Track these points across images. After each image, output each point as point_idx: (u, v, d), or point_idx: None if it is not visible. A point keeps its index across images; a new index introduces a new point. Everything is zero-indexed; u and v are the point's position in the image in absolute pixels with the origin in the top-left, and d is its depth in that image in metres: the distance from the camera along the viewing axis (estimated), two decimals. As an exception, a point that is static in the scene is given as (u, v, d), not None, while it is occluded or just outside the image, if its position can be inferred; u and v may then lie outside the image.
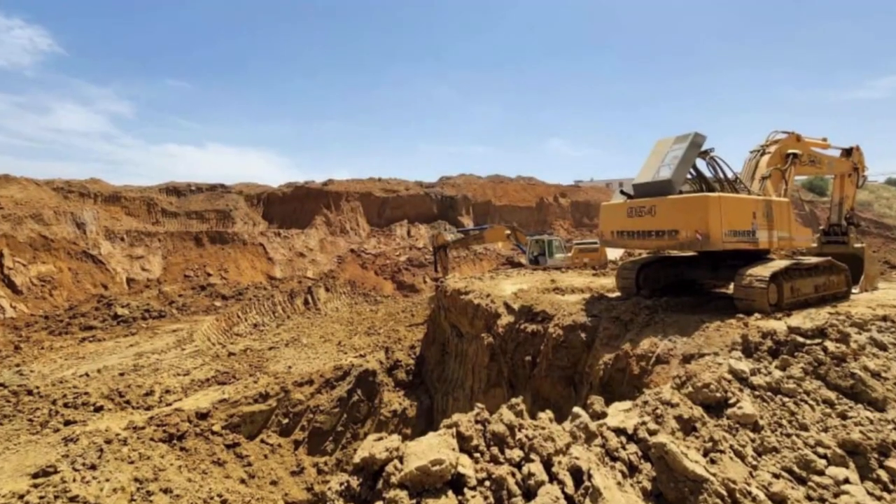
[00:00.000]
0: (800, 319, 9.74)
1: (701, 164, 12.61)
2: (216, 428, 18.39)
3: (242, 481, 17.16)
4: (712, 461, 5.99)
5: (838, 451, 6.27)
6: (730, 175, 12.82)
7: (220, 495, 15.08)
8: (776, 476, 6.01)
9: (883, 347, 8.23)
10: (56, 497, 12.25)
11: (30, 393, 19.00)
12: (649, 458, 5.84)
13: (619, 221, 12.91)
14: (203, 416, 18.57)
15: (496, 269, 50.88)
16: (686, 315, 11.48)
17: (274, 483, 17.91)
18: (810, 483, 5.93)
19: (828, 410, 6.98)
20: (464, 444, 5.66)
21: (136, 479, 13.92)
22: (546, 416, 6.38)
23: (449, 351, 21.21)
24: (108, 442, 15.08)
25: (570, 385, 12.64)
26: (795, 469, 6.10)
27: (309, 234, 61.44)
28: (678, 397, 6.75)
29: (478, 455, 5.60)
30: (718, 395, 6.89)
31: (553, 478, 5.42)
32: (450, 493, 5.02)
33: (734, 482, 5.61)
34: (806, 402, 7.06)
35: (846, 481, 5.96)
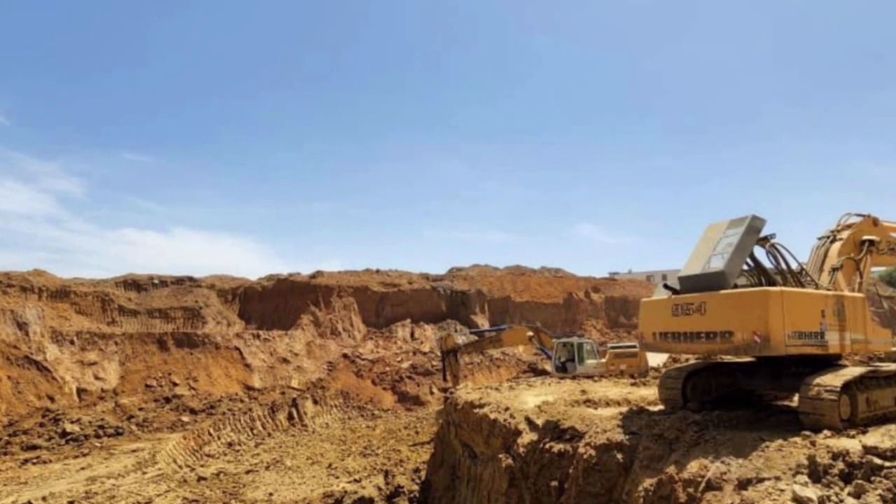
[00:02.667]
0: (877, 437, 9.75)
1: (760, 253, 12.66)
2: (181, 570, 18.17)
3: None
4: None
5: None
6: (794, 265, 12.87)
7: None
8: None
9: (975, 470, 8.22)
10: None
11: (-40, 526, 18.91)
12: None
13: (663, 321, 12.97)
14: (166, 554, 18.39)
15: (516, 377, 50.69)
16: (742, 432, 11.46)
17: None
18: None
19: (911, 545, 6.98)
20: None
21: None
22: (578, 550, 6.45)
23: (460, 475, 21.04)
24: (53, 586, 14.94)
25: (606, 516, 12.53)
26: None
27: (294, 336, 61.54)
28: (734, 529, 6.79)
29: None
30: (781, 526, 6.92)
31: None
32: None
33: None
34: (885, 536, 7.08)
35: None
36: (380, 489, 23.71)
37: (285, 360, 58.21)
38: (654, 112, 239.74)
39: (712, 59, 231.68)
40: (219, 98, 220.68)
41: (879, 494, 7.68)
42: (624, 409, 16.54)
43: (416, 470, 26.01)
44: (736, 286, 12.06)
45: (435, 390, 53.95)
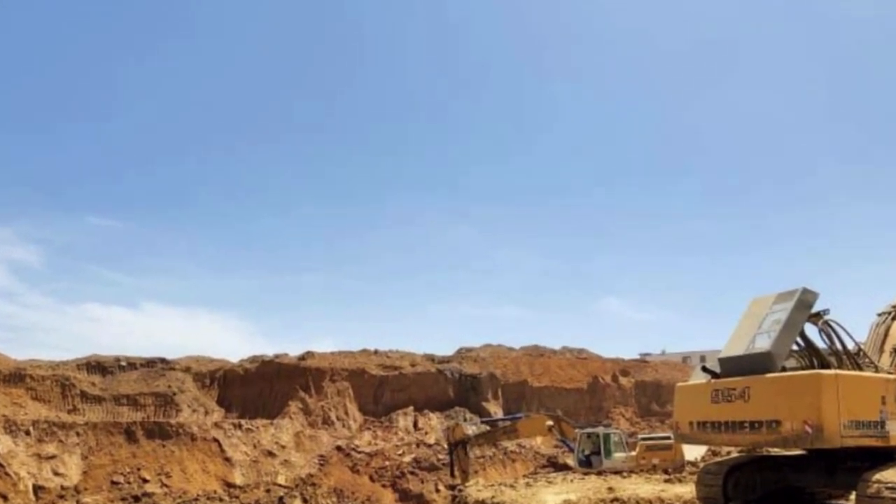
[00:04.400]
0: (947, 543, 9.69)
1: (811, 331, 12.56)
2: None
3: None
4: None
5: None
6: (850, 345, 12.81)
7: None
8: None
9: None
10: None
11: None
12: None
13: (701, 409, 12.95)
14: None
15: (534, 472, 50.20)
16: (793, 536, 11.40)
17: None
18: None
19: None
20: None
21: None
22: None
23: (471, 587, 20.86)
24: None
25: None
26: None
27: (280, 426, 61.16)
28: None
29: None
30: None
31: None
32: None
33: None
34: None
35: None
36: None
37: (271, 454, 57.79)
38: (691, 170, 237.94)
39: (757, 110, 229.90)
40: (195, 155, 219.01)
41: None
42: (658, 509, 16.47)
43: (421, 580, 25.74)
44: (784, 369, 12.01)
45: (441, 488, 53.41)
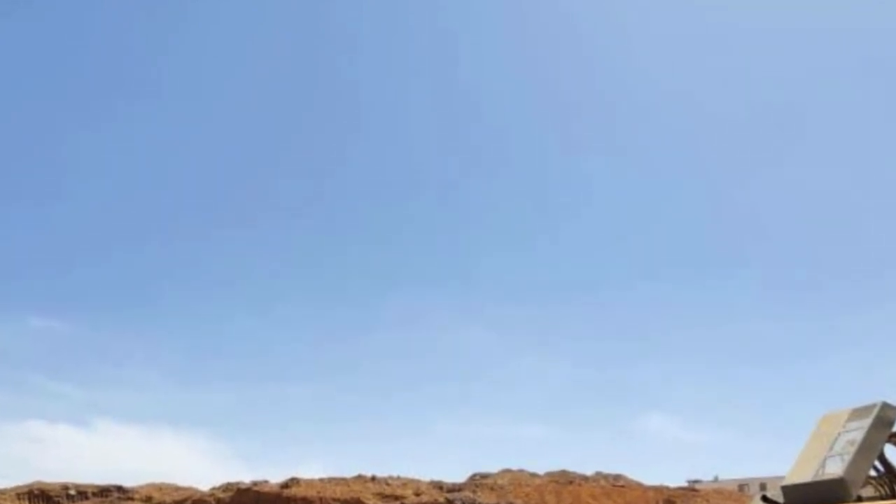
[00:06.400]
0: None
1: (892, 454, 11.72)
2: None
3: None
4: None
5: None
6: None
7: None
8: None
9: None
10: None
11: None
12: None
13: (762, 548, 12.40)
14: None
15: None
16: None
17: None
18: None
19: None
20: None
21: None
22: None
23: None
24: None
25: None
26: None
27: (258, 570, 59.51)
28: None
29: None
30: None
31: None
32: None
33: None
34: None
35: None
36: None
37: None
38: (750, 261, 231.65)
39: (827, 189, 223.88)
40: (157, 242, 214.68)
41: None
42: None
43: None
44: (860, 499, 10.90)
45: None
